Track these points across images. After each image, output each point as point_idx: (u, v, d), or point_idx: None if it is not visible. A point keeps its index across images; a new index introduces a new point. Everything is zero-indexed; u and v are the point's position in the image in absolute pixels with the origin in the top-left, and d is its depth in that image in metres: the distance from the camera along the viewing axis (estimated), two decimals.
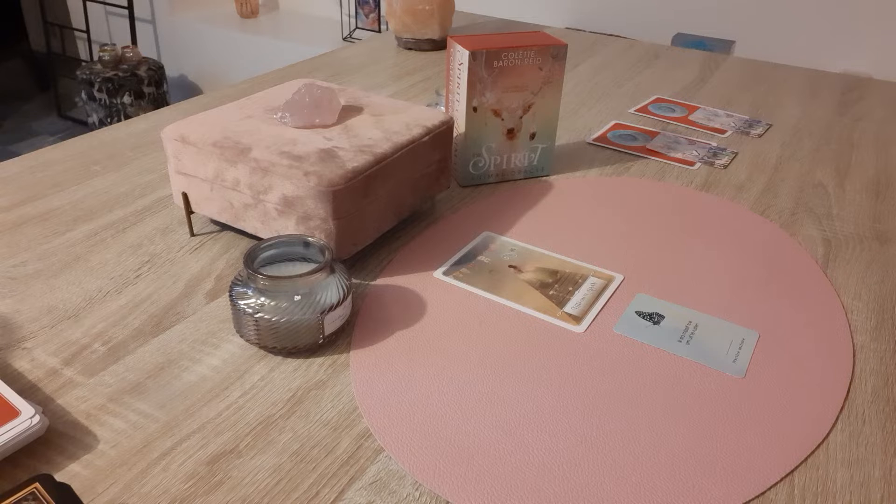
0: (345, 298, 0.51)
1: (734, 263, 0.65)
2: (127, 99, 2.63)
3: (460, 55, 0.71)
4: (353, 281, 0.60)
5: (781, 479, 0.43)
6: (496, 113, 0.74)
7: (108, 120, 2.66)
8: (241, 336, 0.51)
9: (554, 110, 0.76)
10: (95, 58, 3.31)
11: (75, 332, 0.53)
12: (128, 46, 2.66)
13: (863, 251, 0.68)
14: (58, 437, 0.44)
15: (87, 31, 3.02)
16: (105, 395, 0.47)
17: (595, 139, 0.90)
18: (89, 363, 0.50)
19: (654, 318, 0.57)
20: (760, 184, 0.80)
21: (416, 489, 0.41)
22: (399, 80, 1.10)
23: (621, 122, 0.96)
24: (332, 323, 0.51)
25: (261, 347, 0.51)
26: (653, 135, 0.92)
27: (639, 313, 0.57)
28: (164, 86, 2.75)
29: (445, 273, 0.61)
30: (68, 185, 0.73)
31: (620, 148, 0.88)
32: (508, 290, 0.59)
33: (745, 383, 0.50)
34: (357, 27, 2.72)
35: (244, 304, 0.49)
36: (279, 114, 0.63)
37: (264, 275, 0.48)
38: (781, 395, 0.49)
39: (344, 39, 2.69)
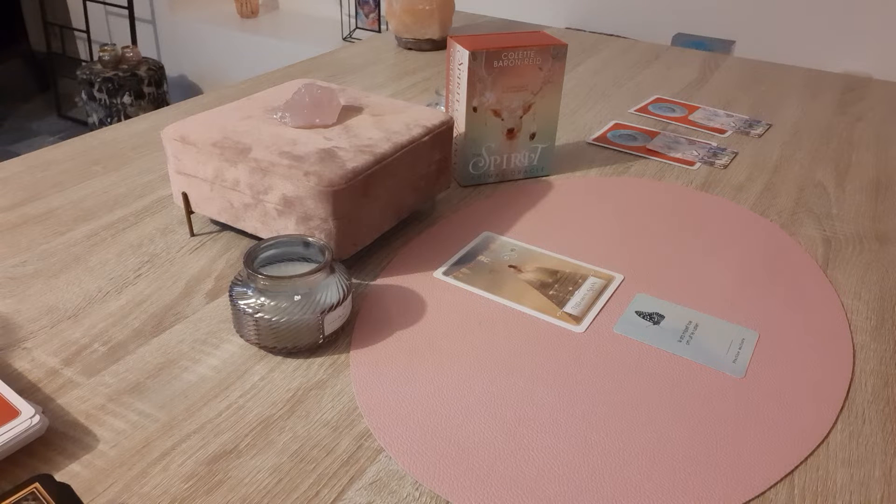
0: (345, 298, 0.51)
1: (734, 263, 0.65)
2: (127, 99, 2.63)
3: (460, 55, 0.71)
4: (353, 281, 0.60)
5: (781, 479, 0.43)
6: (496, 113, 0.74)
7: (108, 120, 2.66)
8: (241, 336, 0.51)
9: (554, 110, 0.76)
10: (95, 58, 3.31)
11: (75, 332, 0.53)
12: (128, 46, 2.66)
13: (863, 251, 0.68)
14: (58, 437, 0.44)
15: (87, 31, 3.02)
16: (105, 395, 0.47)
17: (595, 139, 0.90)
18: (89, 363, 0.50)
19: (654, 317, 0.57)
20: (760, 184, 0.80)
21: (416, 489, 0.41)
22: (399, 80, 1.10)
23: (621, 122, 0.96)
24: (332, 323, 0.51)
25: (261, 347, 0.51)
26: (653, 135, 0.92)
27: (639, 313, 0.57)
28: (164, 86, 2.75)
29: (445, 273, 0.61)
30: (68, 185, 0.73)
31: (620, 148, 0.88)
32: (508, 290, 0.59)
33: (745, 383, 0.50)
34: (357, 27, 2.72)
35: (244, 304, 0.49)
36: (279, 114, 0.63)
37: (264, 275, 0.48)
38: (781, 395, 0.49)
39: (344, 39, 2.68)
